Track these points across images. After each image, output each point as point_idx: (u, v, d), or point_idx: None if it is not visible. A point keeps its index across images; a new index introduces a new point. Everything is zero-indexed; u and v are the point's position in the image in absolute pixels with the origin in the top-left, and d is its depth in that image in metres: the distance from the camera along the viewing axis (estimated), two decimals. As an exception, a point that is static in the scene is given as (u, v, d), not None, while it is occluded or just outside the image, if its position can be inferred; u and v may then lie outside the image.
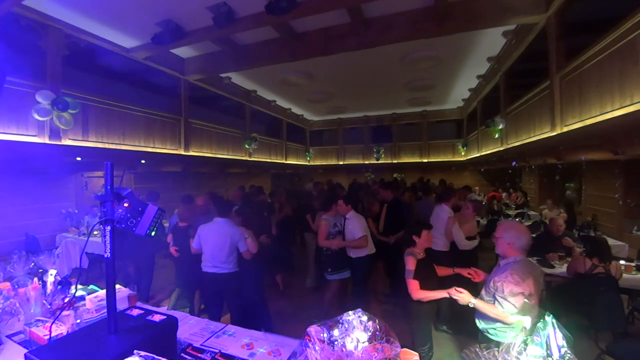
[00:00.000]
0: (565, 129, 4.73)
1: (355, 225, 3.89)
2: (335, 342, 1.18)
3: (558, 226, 4.55)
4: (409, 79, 8.94)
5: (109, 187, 1.30)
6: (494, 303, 2.08)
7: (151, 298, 4.64)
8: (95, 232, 5.51)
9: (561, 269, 3.95)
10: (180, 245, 3.93)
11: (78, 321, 1.73)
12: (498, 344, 2.00)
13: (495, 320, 2.06)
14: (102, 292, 2.07)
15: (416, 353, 1.53)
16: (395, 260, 3.03)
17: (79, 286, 2.24)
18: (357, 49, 5.93)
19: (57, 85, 5.06)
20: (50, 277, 2.14)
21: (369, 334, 1.19)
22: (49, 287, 2.09)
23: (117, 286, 1.90)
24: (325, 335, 1.20)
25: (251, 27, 5.28)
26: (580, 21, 5.27)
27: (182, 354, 1.58)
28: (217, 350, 1.63)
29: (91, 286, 2.41)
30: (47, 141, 5.02)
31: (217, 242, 3.42)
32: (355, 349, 1.16)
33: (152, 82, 7.47)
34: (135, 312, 1.55)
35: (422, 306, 2.61)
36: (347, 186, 9.89)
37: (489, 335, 2.15)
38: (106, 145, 5.92)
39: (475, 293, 2.30)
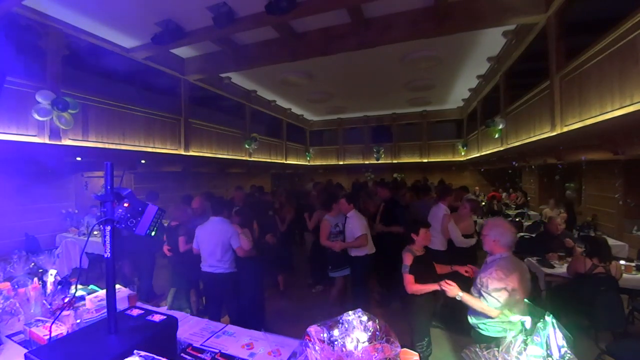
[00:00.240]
0: (565, 129, 4.73)
1: (355, 224, 3.91)
2: (335, 342, 1.18)
3: (557, 225, 4.56)
4: (409, 79, 8.94)
5: (109, 187, 1.30)
6: (479, 298, 2.17)
7: (153, 298, 4.63)
8: (95, 232, 5.51)
9: (561, 269, 3.95)
10: (174, 244, 3.96)
11: (78, 321, 1.73)
12: (490, 339, 2.10)
13: (485, 316, 2.14)
14: (102, 292, 2.07)
15: (416, 353, 1.53)
16: (395, 260, 3.05)
17: (79, 286, 2.24)
18: (357, 49, 5.93)
19: (57, 85, 5.06)
20: (50, 277, 2.13)
21: (369, 334, 1.19)
22: (49, 287, 2.09)
23: (117, 286, 1.90)
24: (325, 335, 1.20)
25: (251, 27, 5.28)
26: (580, 21, 5.27)
27: (182, 354, 1.58)
28: (217, 350, 1.63)
29: (91, 286, 2.42)
30: (47, 141, 5.01)
31: (211, 240, 3.46)
32: (355, 349, 1.16)
33: (152, 82, 7.46)
34: (135, 312, 1.55)
35: (420, 302, 2.70)
36: (348, 186, 9.89)
37: (479, 330, 2.22)
38: (106, 145, 5.92)
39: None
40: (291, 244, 5.74)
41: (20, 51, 4.87)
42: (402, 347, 1.31)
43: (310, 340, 1.18)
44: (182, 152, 7.67)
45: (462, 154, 12.65)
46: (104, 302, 1.40)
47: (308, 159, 15.24)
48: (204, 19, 5.14)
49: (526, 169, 10.39)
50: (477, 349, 1.19)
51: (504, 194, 10.77)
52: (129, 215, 1.31)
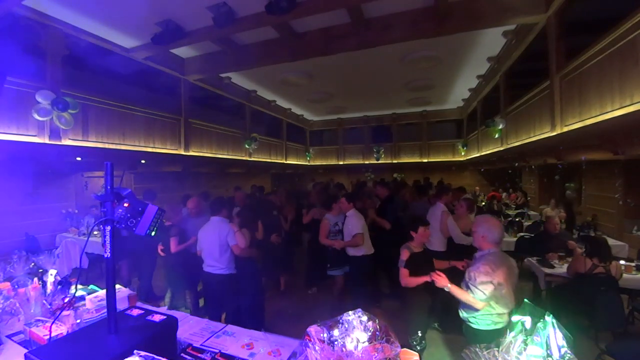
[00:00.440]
0: (565, 129, 4.73)
1: (353, 223, 3.93)
2: (335, 342, 1.18)
3: (555, 225, 4.56)
4: (409, 79, 8.94)
5: (109, 187, 1.30)
6: (467, 290, 2.26)
7: (153, 298, 4.62)
8: (95, 232, 5.51)
9: (561, 269, 3.95)
10: (167, 244, 3.97)
11: (78, 321, 1.73)
12: (479, 332, 2.23)
13: (474, 309, 2.23)
14: (102, 292, 2.07)
15: (416, 353, 1.53)
16: (393, 262, 3.09)
17: (79, 286, 2.24)
18: (357, 49, 5.93)
19: (57, 85, 5.06)
20: (50, 277, 2.13)
21: (369, 334, 1.19)
22: (49, 287, 2.09)
23: (117, 286, 1.90)
24: (325, 335, 1.20)
25: (251, 27, 5.28)
26: (580, 21, 5.27)
27: (182, 354, 1.58)
28: (217, 350, 1.63)
29: (91, 286, 2.42)
30: (47, 141, 5.01)
31: (210, 240, 3.49)
32: (355, 349, 1.16)
33: (152, 82, 7.47)
34: (135, 312, 1.55)
35: (414, 296, 2.83)
36: (348, 186, 9.91)
37: (470, 324, 2.30)
38: (106, 145, 5.92)
39: None
40: (294, 244, 5.75)
41: (20, 51, 4.86)
42: (401, 347, 1.31)
43: (310, 340, 1.18)
44: (182, 152, 7.67)
45: (462, 154, 12.64)
46: (104, 302, 1.40)
47: (308, 159, 15.24)
48: (204, 19, 5.14)
49: (526, 169, 10.39)
50: (477, 349, 1.19)
51: (504, 194, 10.77)
52: (129, 215, 1.31)
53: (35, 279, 2.13)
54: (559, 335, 1.15)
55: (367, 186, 8.47)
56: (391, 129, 14.39)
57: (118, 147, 6.13)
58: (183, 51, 6.99)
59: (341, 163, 15.14)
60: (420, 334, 2.86)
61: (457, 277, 2.48)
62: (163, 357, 1.09)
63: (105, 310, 1.38)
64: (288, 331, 1.91)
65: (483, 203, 9.63)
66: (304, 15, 4.89)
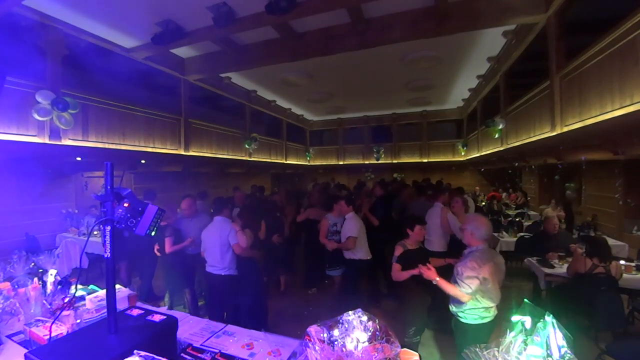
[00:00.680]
0: (565, 129, 4.73)
1: (349, 226, 3.92)
2: (335, 342, 1.18)
3: (554, 225, 4.56)
4: (409, 79, 8.94)
5: (109, 187, 1.30)
6: (455, 284, 2.37)
7: (153, 299, 4.62)
8: (95, 232, 5.51)
9: (561, 269, 3.94)
10: (163, 244, 3.96)
11: (78, 321, 1.73)
12: (467, 327, 2.33)
13: (463, 304, 2.34)
14: (102, 292, 2.07)
15: (416, 353, 1.53)
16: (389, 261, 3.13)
17: (79, 286, 2.24)
18: (357, 49, 5.93)
19: (57, 85, 5.06)
20: (50, 277, 2.13)
21: (369, 334, 1.19)
22: (49, 287, 2.09)
23: (117, 286, 1.90)
24: (325, 335, 1.20)
25: (251, 27, 5.28)
26: (580, 21, 5.27)
27: (182, 354, 1.58)
28: (217, 350, 1.63)
29: (91, 286, 2.42)
30: (47, 141, 5.01)
31: (211, 239, 3.49)
32: (355, 349, 1.16)
33: (152, 82, 7.46)
34: (135, 312, 1.55)
35: (411, 293, 2.95)
36: (348, 186, 9.92)
37: (459, 318, 2.41)
38: (106, 145, 5.92)
39: None
40: (294, 243, 5.75)
41: (20, 51, 4.87)
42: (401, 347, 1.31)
43: (310, 340, 1.18)
44: (182, 152, 7.67)
45: (462, 154, 12.64)
46: (104, 302, 1.40)
47: (308, 159, 15.24)
48: (204, 19, 5.14)
49: (526, 169, 10.39)
50: (477, 349, 1.19)
51: (504, 194, 10.77)
52: (129, 215, 1.31)
53: (35, 279, 2.13)
54: (559, 335, 1.15)
55: (365, 186, 8.52)
56: (391, 129, 14.39)
57: (118, 147, 6.13)
58: (183, 51, 6.99)
59: (341, 163, 15.14)
60: (413, 330, 2.97)
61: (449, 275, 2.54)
62: (163, 357, 1.09)
63: (105, 310, 1.38)
64: (288, 331, 1.91)
65: (483, 203, 9.64)
66: (304, 15, 4.88)
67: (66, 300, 1.93)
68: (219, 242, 3.44)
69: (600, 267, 3.36)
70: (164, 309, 1.96)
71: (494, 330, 2.39)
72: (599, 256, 3.40)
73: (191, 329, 1.92)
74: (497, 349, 1.18)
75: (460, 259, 2.71)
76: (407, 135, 14.22)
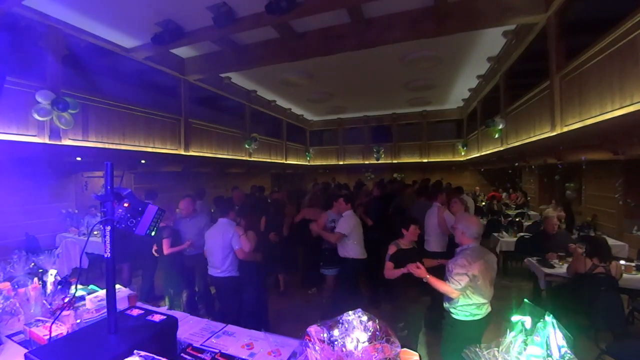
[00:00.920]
0: (565, 129, 4.73)
1: (342, 223, 3.94)
2: (335, 342, 1.18)
3: (553, 225, 4.56)
4: (409, 79, 8.94)
5: (109, 187, 1.30)
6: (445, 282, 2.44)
7: (153, 299, 4.62)
8: (95, 232, 5.51)
9: (561, 269, 3.95)
10: (161, 245, 3.96)
11: (78, 321, 1.73)
12: (459, 323, 2.38)
13: (455, 301, 2.39)
14: (102, 292, 2.07)
15: (416, 353, 1.53)
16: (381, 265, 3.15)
17: (79, 286, 2.24)
18: (357, 49, 5.93)
19: (57, 85, 5.06)
20: (50, 277, 2.13)
21: (369, 334, 1.19)
22: (49, 287, 2.09)
23: (117, 286, 1.90)
24: (325, 335, 1.20)
25: (251, 27, 5.27)
26: (580, 21, 5.27)
27: (182, 354, 1.58)
28: (217, 350, 1.63)
29: (91, 286, 2.42)
30: (47, 141, 5.01)
31: (214, 241, 3.50)
32: (355, 349, 1.16)
33: (152, 82, 7.47)
34: (135, 312, 1.55)
35: (400, 290, 3.00)
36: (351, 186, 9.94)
37: (451, 314, 2.47)
38: (106, 145, 5.92)
39: None
40: (294, 244, 5.75)
41: (20, 51, 4.87)
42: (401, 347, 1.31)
43: (310, 340, 1.18)
44: (182, 152, 7.67)
45: (462, 154, 12.65)
46: (104, 302, 1.40)
47: (308, 159, 15.24)
48: (204, 19, 5.14)
49: (526, 169, 10.39)
50: (477, 349, 1.19)
51: (504, 194, 10.77)
52: (129, 215, 1.31)
53: (35, 279, 2.13)
54: (559, 335, 1.15)
55: (365, 186, 8.55)
56: (391, 129, 14.39)
57: (118, 147, 6.13)
58: (183, 51, 6.99)
59: (341, 163, 15.15)
60: (402, 324, 3.05)
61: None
62: (163, 357, 1.09)
63: (105, 310, 1.38)
64: (288, 331, 1.91)
65: (483, 203, 9.64)
66: (304, 15, 4.88)
67: (66, 300, 1.93)
68: (221, 245, 3.43)
69: (600, 267, 3.36)
70: (164, 309, 1.96)
71: (485, 328, 2.43)
72: (599, 256, 3.40)
73: (191, 329, 1.92)
74: (497, 349, 1.18)
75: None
76: (407, 135, 14.22)
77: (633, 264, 3.98)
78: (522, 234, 6.11)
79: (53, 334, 1.52)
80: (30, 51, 5.08)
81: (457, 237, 2.57)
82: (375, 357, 1.13)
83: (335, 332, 1.20)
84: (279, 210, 5.24)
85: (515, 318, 1.23)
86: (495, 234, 6.29)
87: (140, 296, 4.24)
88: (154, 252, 4.08)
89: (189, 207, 4.17)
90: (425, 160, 13.84)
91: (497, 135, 7.59)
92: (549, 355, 1.15)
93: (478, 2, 5.05)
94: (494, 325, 2.43)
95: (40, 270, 2.30)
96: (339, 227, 3.92)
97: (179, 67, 7.37)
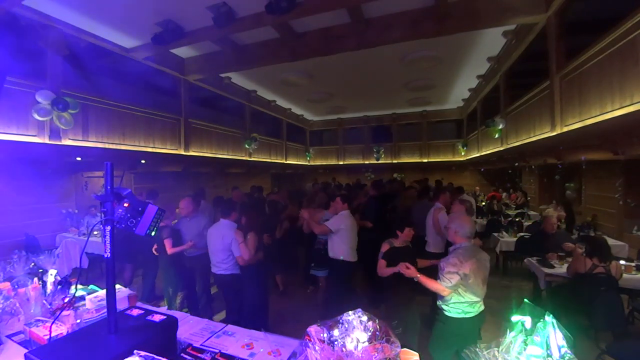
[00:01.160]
0: (565, 129, 4.73)
1: (333, 220, 3.88)
2: (335, 342, 1.18)
3: (552, 224, 4.56)
4: (409, 79, 8.94)
5: (109, 187, 1.30)
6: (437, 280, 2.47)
7: (153, 299, 4.61)
8: (95, 232, 5.51)
9: (561, 269, 3.95)
10: (161, 245, 3.96)
11: (78, 321, 1.73)
12: (451, 320, 2.41)
13: (447, 298, 2.42)
14: (102, 292, 2.07)
15: (416, 353, 1.53)
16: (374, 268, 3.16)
17: (79, 286, 2.24)
18: (357, 49, 5.93)
19: (57, 85, 5.06)
20: (50, 277, 2.13)
21: (369, 334, 1.19)
22: (49, 287, 2.09)
23: (117, 286, 1.90)
24: (325, 335, 1.20)
25: (251, 27, 5.28)
26: (580, 21, 5.27)
27: (182, 354, 1.57)
28: (217, 350, 1.63)
29: (91, 286, 2.42)
30: (47, 141, 5.01)
31: (214, 242, 3.52)
32: (355, 349, 1.16)
33: (152, 82, 7.46)
34: (135, 312, 1.55)
35: (393, 288, 3.01)
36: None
37: (444, 311, 2.51)
38: (106, 145, 5.92)
39: None
40: (298, 243, 5.74)
41: (20, 51, 4.87)
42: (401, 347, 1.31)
43: (310, 340, 1.18)
44: (182, 152, 7.67)
45: (462, 154, 12.65)
46: (104, 302, 1.40)
47: (308, 159, 15.24)
48: (204, 19, 5.14)
49: (526, 169, 10.38)
50: (477, 349, 1.19)
51: (504, 194, 10.77)
52: (128, 215, 1.31)
53: (35, 279, 2.12)
54: (559, 335, 1.15)
55: (365, 186, 8.55)
56: (391, 129, 14.39)
57: (118, 147, 6.13)
58: (183, 51, 6.99)
59: (341, 163, 15.15)
60: (396, 322, 3.00)
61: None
62: (163, 357, 1.09)
63: (105, 310, 1.38)
64: (288, 331, 1.91)
65: (483, 203, 9.64)
66: (304, 15, 4.89)
67: (66, 300, 1.93)
68: (221, 247, 3.44)
69: (600, 267, 3.36)
70: (164, 309, 1.96)
71: (479, 326, 2.46)
72: (599, 256, 3.40)
73: (191, 329, 1.92)
74: (497, 349, 1.18)
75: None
76: (407, 135, 14.22)
77: (633, 264, 3.98)
78: (522, 234, 6.11)
79: (53, 334, 1.52)
80: (31, 51, 5.08)
81: (450, 237, 2.62)
82: (375, 357, 1.13)
83: (335, 332, 1.20)
84: (275, 211, 5.23)
85: (515, 318, 1.23)
86: (495, 234, 6.29)
87: (141, 296, 4.25)
88: (154, 251, 4.08)
89: (188, 207, 4.16)
90: (425, 160, 13.84)
91: (497, 135, 7.59)
92: (549, 355, 1.15)
93: (478, 2, 5.05)
94: (494, 325, 2.44)
95: (40, 270, 2.30)
96: (329, 222, 3.87)
97: (179, 67, 7.37)
